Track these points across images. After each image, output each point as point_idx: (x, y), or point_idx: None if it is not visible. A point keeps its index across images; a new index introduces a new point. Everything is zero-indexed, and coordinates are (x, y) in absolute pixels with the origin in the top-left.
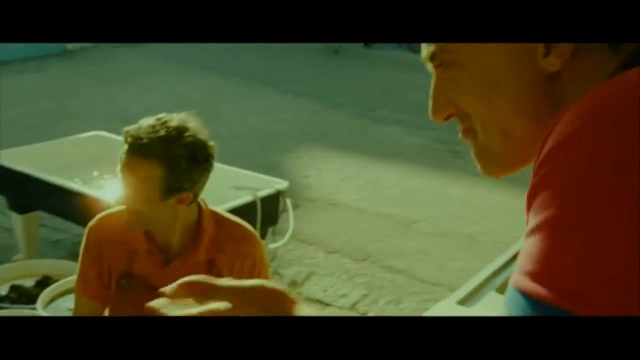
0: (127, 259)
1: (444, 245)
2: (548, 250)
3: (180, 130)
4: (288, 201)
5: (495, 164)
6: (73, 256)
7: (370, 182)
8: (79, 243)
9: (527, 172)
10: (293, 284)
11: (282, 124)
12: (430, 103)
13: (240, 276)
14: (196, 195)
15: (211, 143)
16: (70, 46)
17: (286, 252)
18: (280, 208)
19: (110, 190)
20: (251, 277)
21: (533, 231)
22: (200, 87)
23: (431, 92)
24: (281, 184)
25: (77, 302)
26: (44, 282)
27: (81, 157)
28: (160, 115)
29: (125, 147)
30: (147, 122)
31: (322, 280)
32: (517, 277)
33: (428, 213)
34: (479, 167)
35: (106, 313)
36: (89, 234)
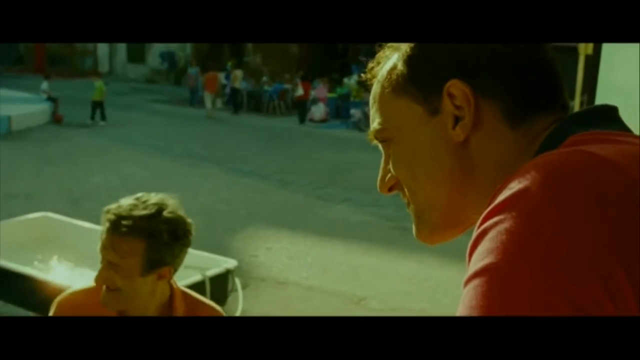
0: None
1: None
2: (484, 296)
3: (160, 207)
4: (237, 280)
5: (424, 226)
6: None
7: (319, 260)
8: None
9: None
10: None
11: (230, 203)
12: (378, 176)
13: None
14: (175, 271)
15: (189, 220)
16: (15, 127)
17: None
18: (230, 287)
19: (56, 272)
20: None
21: (474, 275)
22: (148, 167)
23: (380, 165)
24: (230, 263)
25: None
26: None
27: (27, 238)
28: (139, 195)
29: (107, 226)
30: (127, 201)
31: None
32: (462, 311)
33: (377, 290)
34: (414, 232)
35: None
36: (59, 309)
